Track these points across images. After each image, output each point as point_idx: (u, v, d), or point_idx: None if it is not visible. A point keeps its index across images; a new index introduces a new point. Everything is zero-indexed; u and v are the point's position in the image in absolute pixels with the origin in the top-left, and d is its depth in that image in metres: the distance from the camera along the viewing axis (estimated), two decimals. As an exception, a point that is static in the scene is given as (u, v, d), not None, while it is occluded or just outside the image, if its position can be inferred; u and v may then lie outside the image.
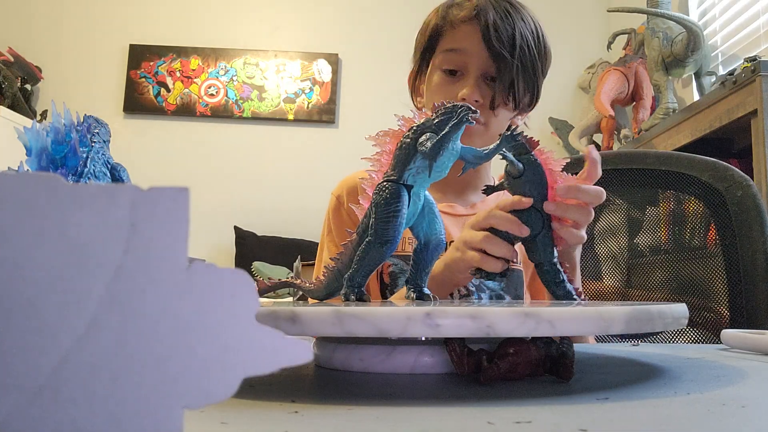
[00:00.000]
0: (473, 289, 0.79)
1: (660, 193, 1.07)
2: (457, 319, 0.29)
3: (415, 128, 0.46)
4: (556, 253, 0.53)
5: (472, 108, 0.44)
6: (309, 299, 0.57)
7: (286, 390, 0.34)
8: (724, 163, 0.95)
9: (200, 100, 3.14)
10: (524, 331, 0.29)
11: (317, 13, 3.22)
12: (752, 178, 1.04)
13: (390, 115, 0.52)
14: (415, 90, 0.93)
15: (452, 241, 0.69)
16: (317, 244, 0.93)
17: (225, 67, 3.16)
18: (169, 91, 3.14)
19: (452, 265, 0.64)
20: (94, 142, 0.47)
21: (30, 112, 2.89)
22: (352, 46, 3.18)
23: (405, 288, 0.50)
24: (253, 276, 0.55)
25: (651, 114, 2.22)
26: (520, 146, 0.50)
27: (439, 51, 0.85)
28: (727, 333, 0.54)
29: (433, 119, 0.45)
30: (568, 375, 0.35)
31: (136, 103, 3.13)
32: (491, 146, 0.47)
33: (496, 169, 0.95)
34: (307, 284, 0.54)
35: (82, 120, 0.49)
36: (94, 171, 0.46)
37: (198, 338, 0.17)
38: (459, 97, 0.81)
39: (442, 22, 0.85)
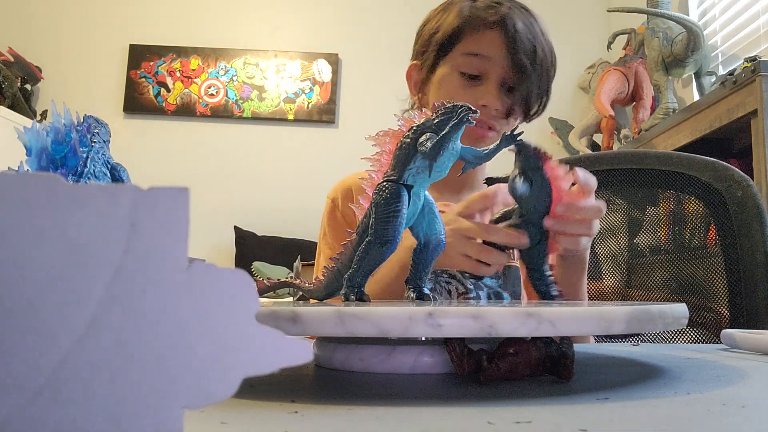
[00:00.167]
0: (471, 287, 0.79)
1: (660, 193, 1.07)
2: (458, 319, 0.29)
3: (415, 128, 0.46)
4: (548, 263, 0.54)
5: (473, 108, 0.44)
6: (308, 299, 0.57)
7: (286, 390, 0.34)
8: (724, 163, 0.95)
9: (200, 100, 3.14)
10: (526, 331, 0.29)
11: (317, 13, 3.22)
12: (752, 178, 1.04)
13: (390, 115, 0.53)
14: (415, 84, 0.91)
15: None
16: (317, 244, 0.93)
17: (225, 67, 3.16)
18: (169, 91, 3.14)
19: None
20: (94, 142, 0.47)
21: (30, 112, 2.89)
22: (352, 46, 3.18)
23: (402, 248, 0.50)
24: (252, 276, 0.55)
25: (651, 114, 2.22)
26: (532, 160, 0.50)
27: (458, 52, 0.84)
28: (727, 333, 0.54)
29: (433, 119, 0.45)
30: (568, 375, 0.35)
31: (136, 103, 3.13)
32: (491, 146, 0.47)
33: (493, 170, 0.95)
34: (307, 284, 0.54)
35: (82, 120, 0.49)
36: (94, 171, 0.46)
37: (198, 338, 0.17)
38: (479, 104, 0.81)
39: (465, 23, 0.83)
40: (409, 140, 0.45)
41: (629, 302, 0.42)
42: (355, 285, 0.45)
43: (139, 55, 3.15)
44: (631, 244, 1.09)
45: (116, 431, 0.16)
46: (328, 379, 0.38)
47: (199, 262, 0.17)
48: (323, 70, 3.17)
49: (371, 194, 0.46)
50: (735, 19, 2.03)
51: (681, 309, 0.37)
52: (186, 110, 3.14)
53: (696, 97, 2.11)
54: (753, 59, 1.46)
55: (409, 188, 0.45)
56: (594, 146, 2.70)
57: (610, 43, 2.55)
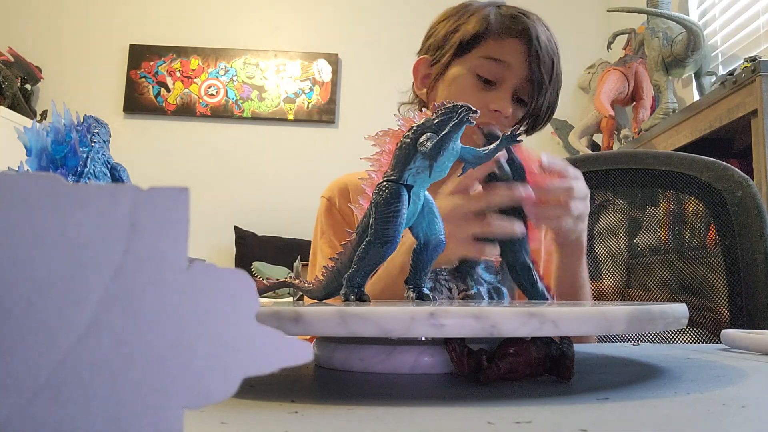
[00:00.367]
0: (472, 283, 0.79)
1: (660, 193, 1.07)
2: (460, 319, 0.29)
3: (415, 128, 0.46)
4: (529, 254, 0.53)
5: (473, 108, 0.44)
6: (306, 299, 0.57)
7: (286, 390, 0.34)
8: (724, 163, 0.95)
9: (200, 100, 3.14)
10: (528, 331, 0.29)
11: (317, 13, 3.22)
12: (752, 178, 1.04)
13: (390, 115, 0.53)
14: (423, 79, 0.91)
15: None
16: (311, 244, 0.93)
17: (225, 67, 3.16)
18: (169, 91, 3.14)
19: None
20: (94, 142, 0.47)
21: (30, 112, 2.89)
22: (352, 46, 3.18)
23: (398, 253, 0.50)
24: (252, 276, 0.55)
25: (651, 114, 2.22)
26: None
27: (477, 54, 0.83)
28: (727, 333, 0.54)
29: (434, 119, 0.45)
30: (568, 375, 0.35)
31: (136, 103, 3.13)
32: (491, 146, 0.47)
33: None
34: (306, 284, 0.54)
35: (82, 120, 0.49)
36: (94, 171, 0.46)
37: (198, 338, 0.17)
38: (492, 108, 0.81)
39: (489, 27, 0.83)
40: (409, 140, 0.45)
41: (630, 302, 0.42)
42: (355, 285, 0.45)
43: (139, 55, 3.15)
44: (631, 244, 1.09)
45: (116, 431, 0.16)
46: (328, 379, 0.38)
47: (199, 262, 0.17)
48: (323, 70, 3.17)
49: (371, 194, 0.46)
50: (735, 19, 2.03)
51: (681, 309, 0.37)
52: (186, 110, 3.14)
53: (696, 97, 2.11)
54: (753, 59, 1.46)
55: (409, 188, 0.45)
56: (594, 146, 2.70)
57: (610, 43, 2.55)
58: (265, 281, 0.56)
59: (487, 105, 0.81)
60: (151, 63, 3.15)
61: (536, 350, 0.35)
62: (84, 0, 3.19)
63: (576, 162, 1.04)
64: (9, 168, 0.39)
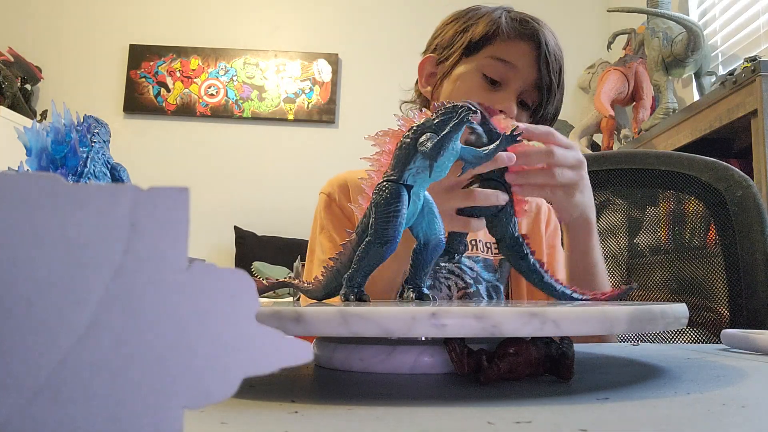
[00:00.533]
0: (471, 281, 0.78)
1: (660, 193, 1.07)
2: (462, 319, 0.29)
3: (415, 128, 0.46)
4: (517, 227, 0.52)
5: (473, 108, 0.44)
6: (304, 299, 0.57)
7: (286, 390, 0.34)
8: (724, 163, 0.95)
9: (200, 100, 3.14)
10: (529, 331, 0.29)
11: (317, 13, 3.22)
12: (752, 178, 1.04)
13: (390, 115, 0.53)
14: (428, 77, 0.91)
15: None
16: (309, 241, 0.93)
17: (225, 67, 3.16)
18: (169, 91, 3.14)
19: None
20: (94, 142, 0.47)
21: (30, 112, 2.89)
22: (352, 46, 3.18)
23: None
24: (252, 276, 0.55)
25: (651, 114, 2.22)
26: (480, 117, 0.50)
27: (485, 55, 0.84)
28: (727, 333, 0.54)
29: (434, 119, 0.45)
30: (568, 375, 0.35)
31: (136, 103, 3.13)
32: (491, 146, 0.47)
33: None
34: (305, 284, 0.54)
35: (82, 120, 0.49)
36: (94, 171, 0.46)
37: (198, 338, 0.17)
38: (496, 108, 0.81)
39: (497, 29, 0.84)
40: (409, 140, 0.45)
41: (630, 302, 0.42)
42: (355, 285, 0.45)
43: (139, 55, 3.15)
44: (631, 244, 1.09)
45: (116, 431, 0.16)
46: (328, 379, 0.38)
47: (199, 262, 0.17)
48: (323, 70, 3.17)
49: (371, 194, 0.46)
50: (735, 19, 2.03)
51: (681, 309, 0.37)
52: (186, 110, 3.14)
53: (696, 97, 2.11)
54: (753, 59, 1.46)
55: (409, 188, 0.45)
56: (594, 146, 2.71)
57: (610, 43, 2.55)
58: (264, 281, 0.56)
59: (492, 105, 0.81)
60: (151, 63, 3.15)
61: (536, 350, 0.35)
62: (84, 0, 3.19)
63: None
64: (9, 168, 0.39)
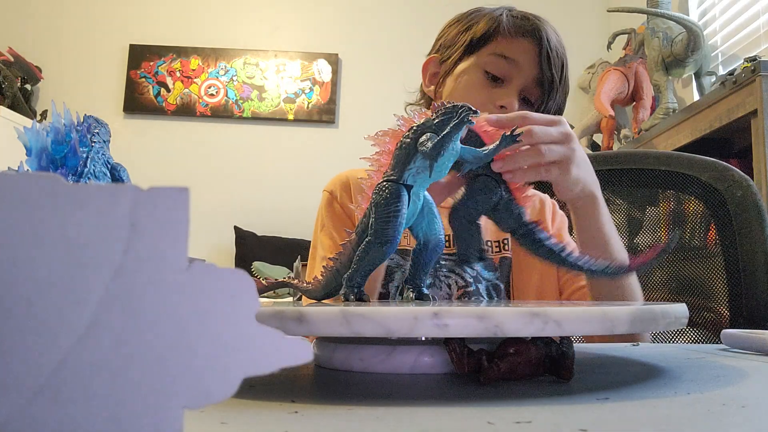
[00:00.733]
0: (471, 280, 0.78)
1: (660, 193, 1.07)
2: (464, 319, 0.29)
3: (415, 128, 0.46)
4: (525, 215, 0.49)
5: (473, 108, 0.44)
6: (305, 299, 0.57)
7: (286, 390, 0.34)
8: (724, 163, 0.95)
9: (200, 100, 3.14)
10: (531, 331, 0.29)
11: (317, 13, 3.22)
12: (752, 178, 1.04)
13: (390, 115, 0.52)
14: (432, 77, 0.92)
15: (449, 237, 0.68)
16: (312, 238, 0.93)
17: (225, 67, 3.16)
18: (169, 91, 3.14)
19: None
20: (94, 142, 0.47)
21: (30, 112, 2.89)
22: (352, 46, 3.18)
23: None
24: (252, 276, 0.55)
25: (651, 114, 2.22)
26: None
27: (486, 52, 0.84)
28: (727, 333, 0.54)
29: (434, 119, 0.45)
30: (568, 375, 0.35)
31: (136, 103, 3.13)
32: (491, 146, 0.47)
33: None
34: (305, 284, 0.54)
35: (82, 120, 0.49)
36: (94, 171, 0.46)
37: (198, 338, 0.17)
38: (497, 104, 0.82)
39: (498, 26, 0.84)
40: (409, 140, 0.45)
41: (630, 302, 0.42)
42: (355, 285, 0.45)
43: (139, 55, 3.15)
44: (631, 244, 1.09)
45: (116, 431, 0.16)
46: (328, 379, 0.38)
47: (199, 262, 0.17)
48: (323, 70, 3.17)
49: (370, 194, 0.46)
50: (735, 19, 2.03)
51: (681, 309, 0.37)
52: (186, 110, 3.14)
53: (696, 97, 2.11)
54: (753, 59, 1.46)
55: (408, 188, 0.45)
56: (594, 146, 2.70)
57: (610, 43, 2.55)
58: (263, 281, 0.56)
59: (494, 101, 0.82)
60: (151, 63, 3.15)
61: (536, 350, 0.35)
62: (84, 0, 3.19)
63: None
64: (9, 168, 0.39)
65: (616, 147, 2.58)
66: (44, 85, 3.09)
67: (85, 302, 0.16)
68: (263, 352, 0.17)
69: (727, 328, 0.60)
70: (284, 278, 0.56)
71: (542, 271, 0.84)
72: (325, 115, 3.15)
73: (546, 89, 0.82)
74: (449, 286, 0.81)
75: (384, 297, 0.81)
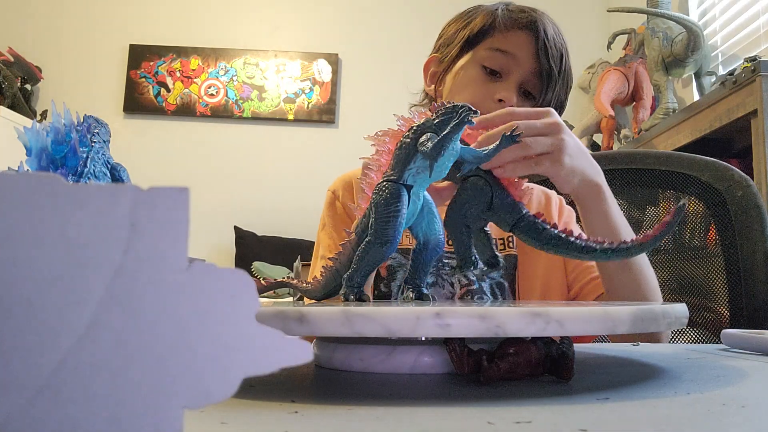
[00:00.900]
0: (474, 278, 0.77)
1: (660, 193, 1.07)
2: (466, 319, 0.29)
3: (415, 128, 0.46)
4: (523, 209, 0.47)
5: (473, 108, 0.44)
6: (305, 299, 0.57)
7: (286, 390, 0.34)
8: (724, 163, 0.95)
9: (200, 100, 3.14)
10: (533, 331, 0.29)
11: (317, 13, 3.22)
12: (752, 178, 1.04)
13: (390, 115, 0.52)
14: (432, 76, 0.92)
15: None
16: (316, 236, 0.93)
17: (225, 67, 3.16)
18: (169, 91, 3.14)
19: None
20: (94, 142, 0.47)
21: (30, 112, 2.89)
22: (352, 46, 3.18)
23: None
24: (252, 276, 0.55)
25: (651, 114, 2.22)
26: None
27: (483, 47, 0.84)
28: (727, 333, 0.54)
29: (434, 119, 0.45)
30: (568, 375, 0.35)
31: (136, 103, 3.13)
32: (491, 147, 0.47)
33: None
34: (304, 284, 0.54)
35: (82, 120, 0.49)
36: (94, 171, 0.46)
37: (198, 338, 0.17)
38: (496, 98, 0.81)
39: (494, 21, 0.84)
40: (409, 140, 0.45)
41: (631, 302, 0.42)
42: (355, 285, 0.45)
43: (139, 55, 3.15)
44: (631, 244, 1.09)
45: (116, 431, 0.16)
46: (328, 379, 0.38)
47: (199, 262, 0.17)
48: (323, 70, 3.17)
49: (370, 194, 0.46)
50: (735, 19, 2.03)
51: (681, 309, 0.37)
52: (186, 110, 3.14)
53: (696, 97, 2.11)
54: (753, 59, 1.46)
55: (408, 188, 0.45)
56: (594, 146, 2.70)
57: (610, 43, 2.55)
58: (262, 281, 0.56)
59: (492, 95, 0.81)
60: (151, 63, 3.15)
61: (536, 350, 0.35)
62: (84, 0, 3.19)
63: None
64: (9, 168, 0.39)
65: (616, 147, 2.58)
66: (44, 85, 3.09)
67: (85, 302, 0.16)
68: (263, 352, 0.17)
69: (727, 328, 0.60)
70: (283, 278, 0.56)
71: (547, 267, 0.84)
72: (325, 115, 3.15)
73: (544, 80, 0.82)
74: (452, 284, 0.81)
75: (387, 296, 0.81)
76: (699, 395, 0.31)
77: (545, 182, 0.95)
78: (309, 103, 3.15)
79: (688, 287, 1.00)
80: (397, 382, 0.36)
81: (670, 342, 0.96)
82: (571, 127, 2.83)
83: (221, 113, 3.14)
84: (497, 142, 0.47)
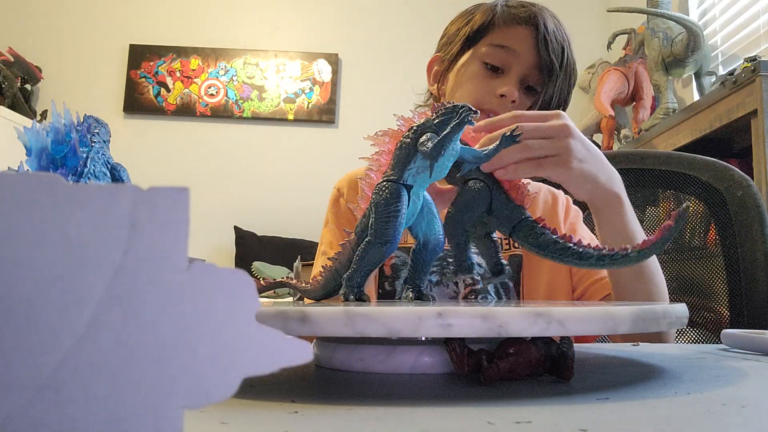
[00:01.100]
0: (478, 278, 0.77)
1: (660, 193, 1.07)
2: (468, 319, 0.29)
3: (415, 128, 0.46)
4: (524, 213, 0.46)
5: (473, 108, 0.44)
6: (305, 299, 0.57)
7: (286, 390, 0.34)
8: (724, 163, 0.95)
9: (200, 100, 3.14)
10: (535, 331, 0.29)
11: (317, 13, 3.22)
12: (752, 178, 1.04)
13: (390, 115, 0.52)
14: (435, 75, 0.92)
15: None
16: (317, 244, 0.93)
17: (225, 67, 3.16)
18: (169, 91, 3.14)
19: None
20: (94, 142, 0.47)
21: (30, 112, 2.89)
22: (352, 46, 3.18)
23: None
24: (252, 276, 0.55)
25: (651, 114, 2.22)
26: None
27: (484, 44, 0.84)
28: (727, 333, 0.54)
29: (434, 119, 0.45)
30: (568, 375, 0.35)
31: (136, 103, 3.13)
32: (491, 147, 0.47)
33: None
34: (304, 284, 0.54)
35: (82, 120, 0.49)
36: (94, 171, 0.46)
37: (198, 338, 0.17)
38: (498, 93, 0.81)
39: (495, 16, 0.84)
40: (409, 140, 0.45)
41: (632, 302, 0.42)
42: (355, 285, 0.45)
43: (139, 55, 3.15)
44: (631, 244, 1.09)
45: (116, 431, 0.16)
46: (328, 379, 0.38)
47: (199, 262, 0.17)
48: (323, 70, 3.17)
49: (370, 194, 0.46)
50: (735, 19, 2.03)
51: (681, 309, 0.37)
52: (186, 110, 3.14)
53: (696, 97, 2.11)
54: (753, 59, 1.46)
55: (408, 188, 0.45)
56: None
57: (610, 43, 2.55)
58: (262, 281, 0.56)
59: (494, 91, 0.81)
60: (151, 63, 3.15)
61: (536, 350, 0.35)
62: (84, 0, 3.19)
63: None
64: (9, 168, 0.39)
65: (616, 147, 2.58)
66: (44, 85, 3.09)
67: (85, 302, 0.16)
68: (263, 352, 0.17)
69: (727, 328, 0.60)
70: (282, 278, 0.56)
71: (552, 268, 0.83)
72: (325, 115, 3.15)
73: (545, 74, 0.82)
74: (456, 284, 0.81)
75: (391, 294, 0.81)
76: (699, 395, 0.31)
77: (552, 182, 0.95)
78: (309, 103, 3.15)
79: (688, 287, 1.00)
80: (397, 382, 0.36)
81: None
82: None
83: (221, 113, 3.14)
84: (497, 143, 0.47)
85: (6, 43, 2.98)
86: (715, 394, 0.31)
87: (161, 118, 3.15)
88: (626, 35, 2.58)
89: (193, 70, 3.16)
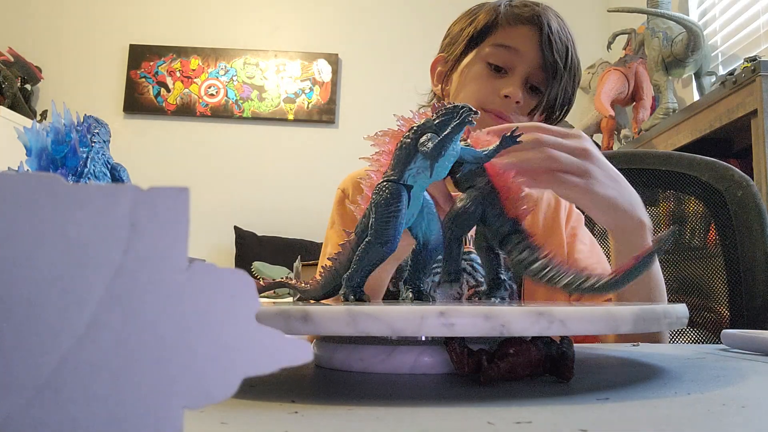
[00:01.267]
0: (482, 279, 0.76)
1: (660, 193, 1.07)
2: (470, 319, 0.29)
3: (415, 128, 0.46)
4: (511, 226, 0.45)
5: (474, 109, 0.43)
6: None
7: (286, 390, 0.34)
8: (724, 163, 0.95)
9: (200, 100, 3.14)
10: (537, 330, 0.29)
11: (317, 13, 3.22)
12: (752, 178, 1.04)
13: (390, 115, 0.52)
14: (439, 76, 0.92)
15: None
16: (317, 244, 0.93)
17: (225, 67, 3.16)
18: (169, 91, 3.14)
19: None
20: (94, 142, 0.47)
21: (30, 112, 2.89)
22: (352, 46, 3.18)
23: None
24: (252, 276, 0.55)
25: (651, 114, 2.22)
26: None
27: (487, 44, 0.84)
28: (727, 333, 0.54)
29: (434, 120, 0.45)
30: (568, 375, 0.35)
31: (136, 103, 3.13)
32: (491, 147, 0.47)
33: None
34: (303, 284, 0.54)
35: (82, 120, 0.49)
36: (94, 171, 0.46)
37: (198, 338, 0.17)
38: (502, 94, 0.81)
39: (499, 17, 0.84)
40: (409, 140, 0.45)
41: (632, 302, 0.42)
42: (354, 285, 0.45)
43: (139, 55, 3.15)
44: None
45: (116, 431, 0.16)
46: (328, 379, 0.38)
47: (199, 262, 0.17)
48: (323, 70, 3.17)
49: (370, 194, 0.46)
50: (735, 19, 2.03)
51: (681, 309, 0.37)
52: (186, 110, 3.14)
53: (696, 97, 2.11)
54: (753, 59, 1.46)
55: (409, 188, 0.45)
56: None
57: (610, 43, 2.55)
58: (261, 281, 0.55)
59: (498, 91, 0.81)
60: (151, 63, 3.15)
61: (536, 350, 0.35)
62: (84, 0, 3.19)
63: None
64: (9, 168, 0.39)
65: (616, 147, 2.58)
66: (44, 85, 3.09)
67: (85, 302, 0.16)
68: (263, 352, 0.17)
69: (727, 328, 0.60)
70: (282, 278, 0.56)
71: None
72: (325, 115, 3.15)
73: (549, 74, 0.81)
74: (460, 285, 0.81)
75: (395, 295, 0.81)
76: (699, 395, 0.31)
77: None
78: (309, 103, 3.15)
79: (688, 287, 1.00)
80: (397, 382, 0.36)
81: (669, 342, 0.96)
82: (571, 127, 2.84)
83: (221, 113, 3.14)
84: (497, 143, 0.47)
85: (6, 43, 2.98)
86: (715, 394, 0.31)
87: (161, 118, 3.15)
88: (626, 35, 2.58)
89: (193, 70, 3.16)
